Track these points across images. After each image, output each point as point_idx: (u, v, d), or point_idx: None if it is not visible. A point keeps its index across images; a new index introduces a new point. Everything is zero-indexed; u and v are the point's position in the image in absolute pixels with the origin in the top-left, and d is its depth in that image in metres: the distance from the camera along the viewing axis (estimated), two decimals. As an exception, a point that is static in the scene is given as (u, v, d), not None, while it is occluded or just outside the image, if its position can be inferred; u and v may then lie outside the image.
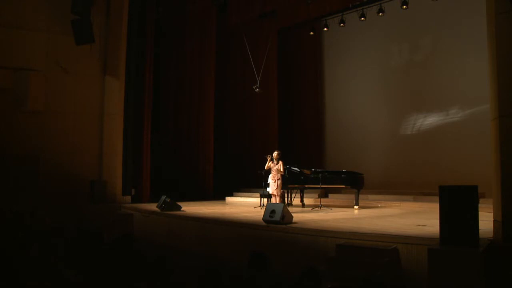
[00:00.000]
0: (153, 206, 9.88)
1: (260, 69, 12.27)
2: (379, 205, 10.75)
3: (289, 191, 10.87)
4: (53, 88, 10.45)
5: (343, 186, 10.28)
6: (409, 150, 12.66)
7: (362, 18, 12.83)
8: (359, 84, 13.97)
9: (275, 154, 9.01)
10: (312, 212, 9.31)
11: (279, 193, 9.00)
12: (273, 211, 6.98)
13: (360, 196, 10.28)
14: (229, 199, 13.12)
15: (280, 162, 8.94)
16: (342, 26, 13.40)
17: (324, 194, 11.94)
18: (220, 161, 14.42)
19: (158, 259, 4.10)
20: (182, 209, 9.47)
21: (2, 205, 8.86)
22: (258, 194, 10.86)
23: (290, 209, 7.72)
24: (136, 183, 12.08)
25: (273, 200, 9.07)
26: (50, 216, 9.19)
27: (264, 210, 7.44)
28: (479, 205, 4.94)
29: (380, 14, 12.47)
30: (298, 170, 10.16)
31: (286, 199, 10.57)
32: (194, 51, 14.14)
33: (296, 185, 10.46)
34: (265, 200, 10.18)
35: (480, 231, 4.78)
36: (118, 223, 9.87)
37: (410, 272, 5.33)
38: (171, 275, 3.91)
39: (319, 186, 10.07)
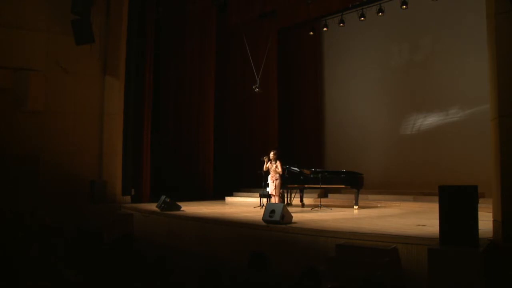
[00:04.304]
0: (153, 206, 9.88)
1: (260, 69, 12.26)
2: (379, 205, 10.75)
3: (289, 191, 10.87)
4: (53, 88, 10.45)
5: (343, 186, 10.28)
6: (409, 150, 12.66)
7: (362, 18, 12.82)
8: (359, 84, 13.96)
9: (271, 154, 8.99)
10: (312, 212, 9.31)
11: (277, 193, 9.00)
12: (272, 211, 6.98)
13: (360, 196, 10.28)
14: (229, 199, 13.12)
15: (278, 162, 8.93)
16: (342, 26, 13.40)
17: (323, 194, 11.93)
18: (220, 161, 14.42)
19: (158, 259, 4.10)
20: (182, 209, 9.47)
21: (2, 205, 8.86)
22: (257, 194, 10.85)
23: (290, 209, 7.72)
24: (136, 183, 12.07)
25: (272, 200, 9.06)
26: (50, 216, 9.18)
27: (263, 210, 7.44)
28: (479, 205, 4.94)
29: (380, 14, 12.47)
30: (298, 170, 10.16)
31: (286, 199, 10.56)
32: (194, 51, 14.14)
33: (295, 185, 10.45)
34: (264, 200, 10.17)
35: (480, 231, 4.78)
36: (118, 223, 9.87)
37: (410, 272, 5.34)
38: (171, 275, 3.91)
39: (318, 186, 10.07)
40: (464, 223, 4.73)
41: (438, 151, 11.98)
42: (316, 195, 11.38)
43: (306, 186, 10.42)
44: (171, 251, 7.71)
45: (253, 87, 11.94)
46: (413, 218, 8.14)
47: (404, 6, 11.80)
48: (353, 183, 10.10)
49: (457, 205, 4.79)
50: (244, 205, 11.41)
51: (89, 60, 10.92)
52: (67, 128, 10.67)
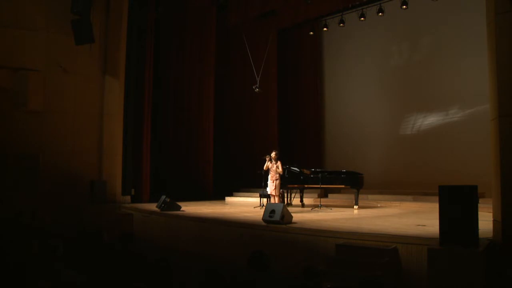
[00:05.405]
0: (153, 206, 9.88)
1: (260, 69, 12.26)
2: (378, 205, 10.75)
3: (289, 191, 10.87)
4: (52, 88, 10.44)
5: (343, 186, 10.28)
6: (408, 150, 12.66)
7: (362, 18, 12.85)
8: (359, 84, 13.97)
9: (273, 154, 9.01)
10: (312, 212, 9.31)
11: (277, 193, 9.00)
12: (272, 211, 6.98)
13: (360, 196, 10.28)
14: (228, 199, 13.12)
15: (278, 162, 8.93)
16: (342, 26, 13.41)
17: (323, 194, 11.94)
18: (220, 161, 14.42)
19: (158, 259, 4.10)
20: (182, 209, 9.47)
21: (2, 205, 8.86)
22: (257, 194, 10.86)
23: (290, 209, 7.72)
24: (136, 183, 12.07)
25: (272, 200, 9.06)
26: (50, 216, 9.19)
27: (263, 210, 7.44)
28: (479, 205, 4.94)
29: (380, 14, 12.47)
30: (298, 170, 10.16)
31: (286, 199, 10.56)
32: (194, 51, 14.14)
33: (295, 185, 10.45)
34: (264, 200, 10.18)
35: (480, 231, 4.78)
36: (118, 223, 9.87)
37: (410, 272, 5.34)
38: (171, 275, 3.91)
39: (318, 186, 10.07)
40: (464, 223, 4.73)
41: (438, 151, 11.98)
42: (316, 195, 11.38)
43: (306, 186, 10.43)
44: (171, 251, 7.71)
45: (253, 87, 11.95)
46: (413, 218, 8.15)
47: (404, 6, 11.82)
48: (353, 183, 10.10)
49: (457, 205, 4.78)
50: (244, 205, 11.41)
51: (89, 60, 10.91)
52: (67, 128, 10.66)
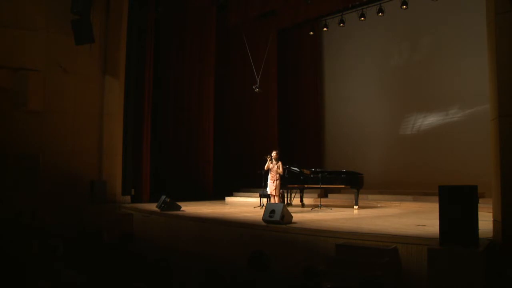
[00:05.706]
0: (152, 206, 9.88)
1: (260, 69, 12.26)
2: (378, 205, 10.75)
3: (289, 191, 10.87)
4: (52, 88, 10.44)
5: (343, 186, 10.28)
6: (408, 150, 12.66)
7: (362, 18, 12.85)
8: (359, 84, 13.96)
9: (274, 154, 9.01)
10: (311, 212, 9.31)
11: (277, 193, 9.00)
12: (272, 211, 6.98)
13: (360, 196, 10.28)
14: (228, 199, 13.12)
15: (279, 162, 8.93)
16: (342, 26, 13.41)
17: (323, 194, 11.93)
18: (220, 161, 14.42)
19: (158, 259, 4.10)
20: (182, 209, 9.47)
21: (2, 205, 8.86)
22: (257, 194, 10.86)
23: (290, 209, 7.72)
24: (136, 183, 12.07)
25: (272, 200, 9.06)
26: (50, 216, 9.19)
27: (263, 210, 7.44)
28: (479, 205, 4.94)
29: (380, 14, 12.47)
30: (298, 170, 10.16)
31: (286, 199, 10.57)
32: (194, 51, 14.14)
33: (295, 185, 10.46)
34: (264, 200, 10.18)
35: (480, 231, 4.78)
36: (118, 223, 9.87)
37: (410, 272, 5.34)
38: (171, 275, 3.91)
39: (318, 186, 10.07)
40: (464, 223, 4.73)
41: (438, 151, 11.98)
42: (316, 195, 11.38)
43: (306, 186, 10.43)
44: (171, 251, 7.71)
45: (253, 87, 11.95)
46: (413, 218, 8.15)
47: (404, 6, 11.82)
48: (353, 183, 10.09)
49: (457, 205, 4.78)
50: (244, 205, 11.41)
51: (89, 60, 10.91)
52: (67, 128, 10.66)
